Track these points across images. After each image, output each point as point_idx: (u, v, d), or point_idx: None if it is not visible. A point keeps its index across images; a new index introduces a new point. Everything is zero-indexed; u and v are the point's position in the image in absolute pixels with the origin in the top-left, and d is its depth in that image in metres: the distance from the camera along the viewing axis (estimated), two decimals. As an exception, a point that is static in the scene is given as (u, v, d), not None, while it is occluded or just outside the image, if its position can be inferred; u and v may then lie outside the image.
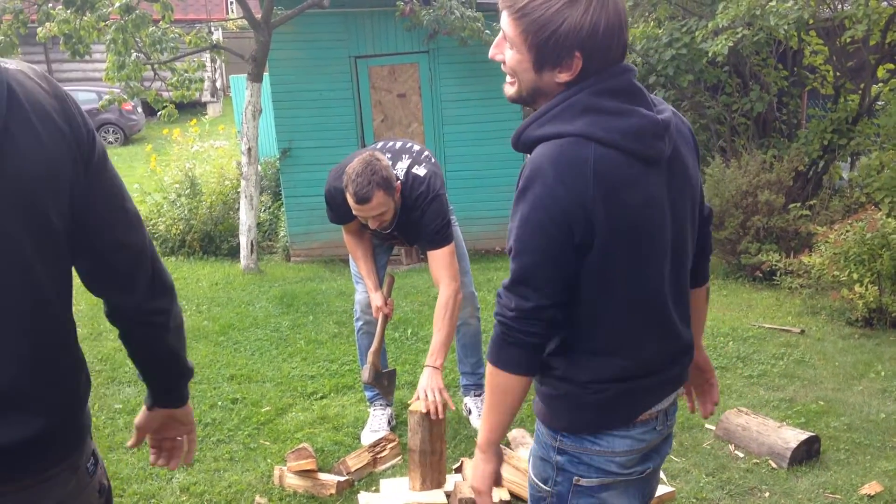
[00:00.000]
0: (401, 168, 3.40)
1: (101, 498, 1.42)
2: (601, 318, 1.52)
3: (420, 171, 3.40)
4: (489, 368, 1.59)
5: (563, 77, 1.47)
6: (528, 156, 1.50)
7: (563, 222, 1.42)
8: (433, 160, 3.52)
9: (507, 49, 1.52)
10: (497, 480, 1.71)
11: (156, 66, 7.96)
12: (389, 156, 3.43)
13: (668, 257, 1.56)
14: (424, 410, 3.10)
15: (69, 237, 1.28)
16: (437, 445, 3.16)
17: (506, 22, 1.47)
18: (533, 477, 1.70)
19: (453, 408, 3.20)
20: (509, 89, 1.56)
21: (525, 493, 3.10)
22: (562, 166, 1.42)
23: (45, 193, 1.20)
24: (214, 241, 8.58)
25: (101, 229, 1.33)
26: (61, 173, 1.23)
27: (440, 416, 3.09)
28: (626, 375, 1.56)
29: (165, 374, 1.56)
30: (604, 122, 1.43)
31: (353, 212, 3.30)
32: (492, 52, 1.56)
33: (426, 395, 3.13)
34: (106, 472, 1.49)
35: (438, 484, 3.19)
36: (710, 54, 6.63)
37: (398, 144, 3.56)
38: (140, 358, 1.53)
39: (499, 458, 1.69)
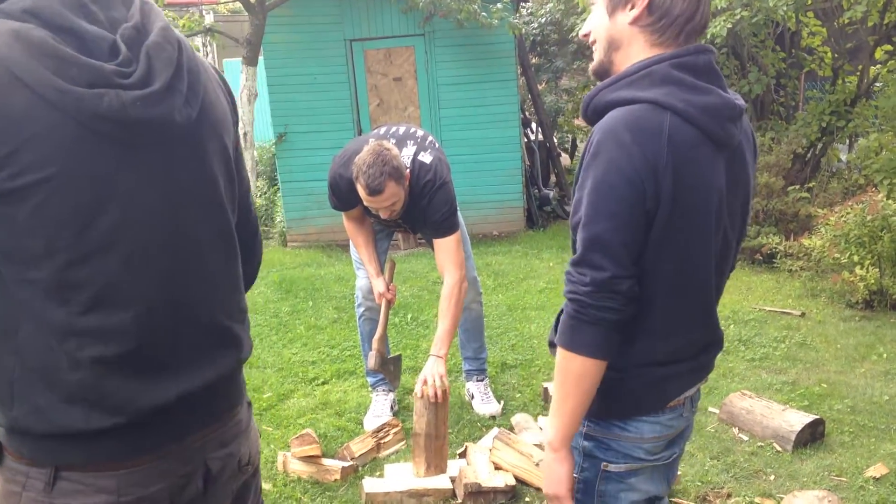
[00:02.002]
0: (406, 155, 3.36)
1: (259, 438, 1.48)
2: (647, 300, 1.48)
3: (426, 157, 3.36)
4: (560, 354, 1.47)
5: (634, 13, 1.47)
6: (598, 123, 1.45)
7: (638, 185, 1.38)
8: (437, 146, 3.48)
9: (591, 17, 1.57)
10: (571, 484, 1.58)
11: (149, 50, 7.88)
12: (394, 142, 3.39)
13: (716, 249, 1.53)
14: (420, 395, 3.10)
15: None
16: (441, 430, 3.15)
17: None
18: None
19: (448, 395, 3.20)
20: (592, 62, 1.58)
21: (531, 477, 3.11)
22: (636, 130, 1.38)
23: (226, 139, 1.30)
24: (210, 227, 8.53)
25: (243, 191, 1.39)
26: (229, 125, 1.33)
27: (440, 400, 3.09)
28: (662, 360, 1.53)
29: None
30: (681, 94, 1.41)
31: (365, 203, 3.27)
32: (582, 32, 1.62)
33: (426, 381, 3.13)
34: None
35: (441, 470, 3.18)
36: (708, 36, 6.58)
37: (401, 130, 3.51)
38: None
39: (573, 458, 1.57)
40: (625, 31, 1.49)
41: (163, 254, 1.18)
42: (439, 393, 3.10)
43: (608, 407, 1.56)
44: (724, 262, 1.58)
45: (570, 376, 1.47)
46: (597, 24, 1.55)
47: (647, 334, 1.51)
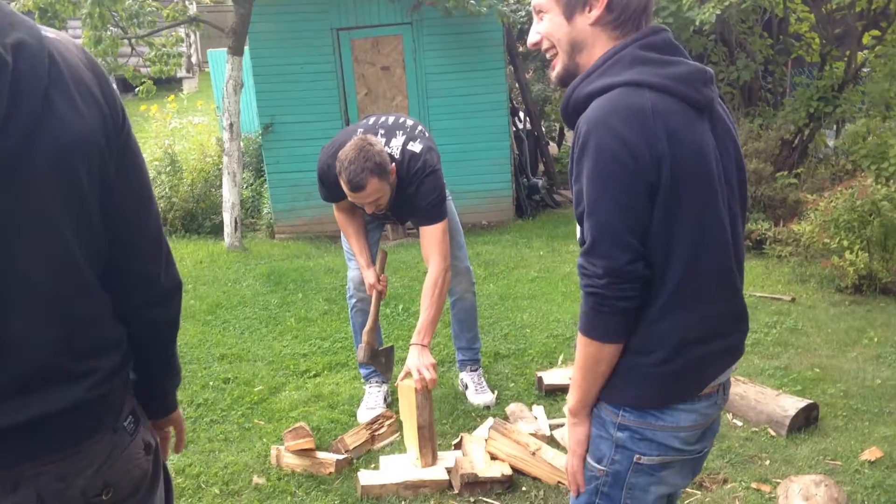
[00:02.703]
0: (395, 146, 3.33)
1: (149, 456, 1.40)
2: (666, 274, 1.48)
3: (415, 147, 3.33)
4: (581, 341, 1.55)
5: (595, 14, 1.51)
6: (582, 115, 1.47)
7: (633, 166, 1.41)
8: (427, 134, 3.45)
9: (540, 25, 1.59)
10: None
11: (133, 40, 7.78)
12: (383, 132, 3.36)
13: (726, 214, 1.53)
14: (418, 387, 3.09)
15: (101, 215, 1.27)
16: (432, 417, 3.20)
17: None
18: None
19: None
20: (556, 69, 1.60)
21: (528, 466, 3.09)
22: (621, 111, 1.42)
23: (79, 163, 1.18)
24: (196, 219, 8.47)
25: (125, 212, 1.30)
26: (94, 145, 1.21)
27: (431, 388, 3.14)
28: (691, 338, 1.52)
29: (162, 379, 1.51)
30: (653, 70, 1.46)
31: (349, 198, 3.24)
32: (530, 41, 1.63)
33: (418, 373, 3.12)
34: (153, 431, 1.46)
35: (436, 455, 3.21)
36: (697, 23, 6.57)
37: (391, 120, 3.48)
38: (141, 361, 1.44)
39: (590, 420, 1.67)
40: (586, 32, 1.54)
41: None
42: (434, 384, 3.12)
43: (643, 395, 1.56)
44: (735, 228, 1.58)
45: (590, 360, 1.55)
46: (552, 31, 1.57)
47: (670, 311, 1.51)
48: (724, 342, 1.59)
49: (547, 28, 1.58)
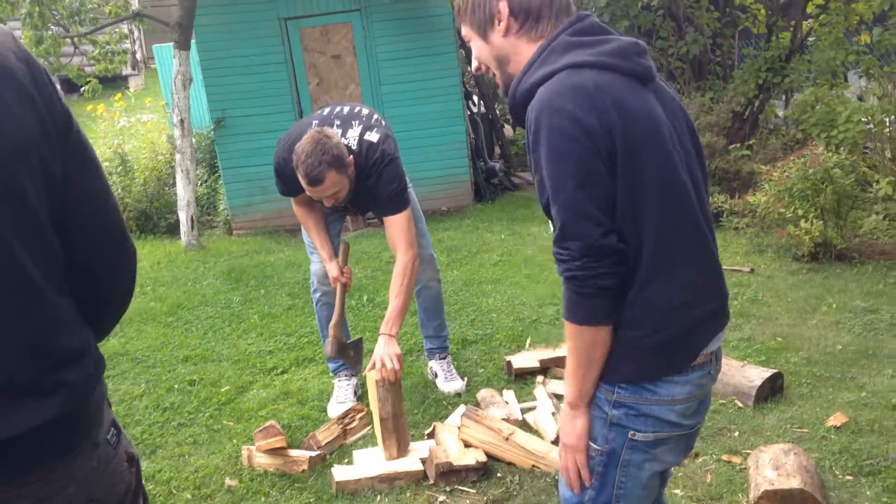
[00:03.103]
0: (352, 136, 3.29)
1: (132, 468, 1.36)
2: (641, 242, 1.49)
3: (373, 136, 3.30)
4: (569, 329, 1.54)
5: (503, 26, 1.59)
6: (529, 105, 1.51)
7: (587, 141, 1.43)
8: (384, 123, 3.42)
9: (474, 51, 1.67)
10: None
11: (76, 39, 7.57)
12: (339, 123, 3.32)
13: (686, 175, 1.55)
14: (377, 378, 3.08)
15: (50, 216, 1.19)
16: (401, 407, 3.19)
17: (463, 29, 1.67)
18: None
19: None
20: (500, 85, 1.69)
21: (502, 452, 3.10)
22: (566, 92, 1.46)
23: (17, 166, 1.11)
24: (151, 219, 8.31)
25: (83, 210, 1.24)
26: (33, 146, 1.13)
27: (395, 379, 3.13)
28: (676, 303, 1.53)
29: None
30: (588, 51, 1.51)
31: (307, 192, 3.20)
32: (472, 67, 1.71)
33: (383, 363, 3.11)
34: (131, 442, 1.42)
35: (407, 443, 3.20)
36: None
37: (346, 109, 3.43)
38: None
39: (589, 411, 1.64)
40: (505, 45, 1.61)
41: None
42: (397, 375, 3.12)
43: (638, 369, 1.56)
44: (698, 188, 1.60)
45: (583, 346, 1.55)
46: (479, 54, 1.66)
47: (651, 279, 1.51)
48: (709, 307, 1.60)
49: (476, 53, 1.67)
